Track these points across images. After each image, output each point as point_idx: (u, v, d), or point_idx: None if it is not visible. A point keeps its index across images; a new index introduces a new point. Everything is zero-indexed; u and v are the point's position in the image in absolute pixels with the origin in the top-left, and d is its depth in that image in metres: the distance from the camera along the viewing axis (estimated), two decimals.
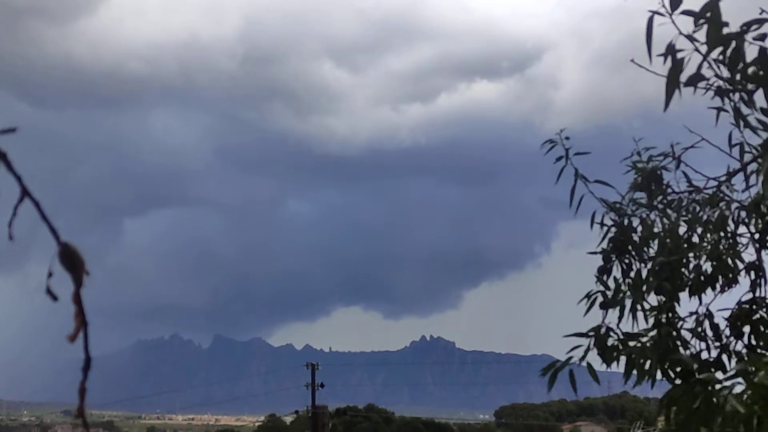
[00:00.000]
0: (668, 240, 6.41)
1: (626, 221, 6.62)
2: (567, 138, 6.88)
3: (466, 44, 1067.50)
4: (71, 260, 1.82)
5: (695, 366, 5.91)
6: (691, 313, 6.45)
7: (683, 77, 4.80)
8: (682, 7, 4.60)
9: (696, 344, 6.34)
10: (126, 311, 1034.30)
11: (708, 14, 4.40)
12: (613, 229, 6.62)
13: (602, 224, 6.67)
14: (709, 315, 6.45)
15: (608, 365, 6.22)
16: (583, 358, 6.11)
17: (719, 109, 5.75)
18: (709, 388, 5.42)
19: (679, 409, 5.49)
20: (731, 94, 5.17)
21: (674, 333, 6.18)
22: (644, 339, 6.14)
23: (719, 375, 5.71)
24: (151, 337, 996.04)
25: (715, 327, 6.41)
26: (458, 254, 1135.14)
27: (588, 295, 6.44)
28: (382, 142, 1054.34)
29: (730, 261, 6.53)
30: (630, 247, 6.53)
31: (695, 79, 4.82)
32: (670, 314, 6.30)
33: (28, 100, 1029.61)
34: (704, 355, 6.31)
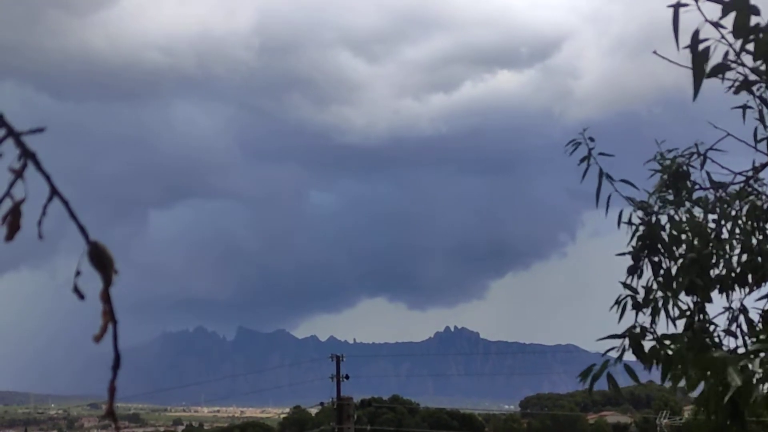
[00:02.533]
0: (697, 237, 6.33)
1: (654, 219, 6.55)
2: (591, 139, 6.81)
3: (485, 34, 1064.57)
4: (100, 259, 1.83)
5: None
6: (725, 309, 6.36)
7: (708, 66, 4.70)
8: None
9: (729, 342, 6.26)
10: (151, 304, 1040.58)
11: (736, 5, 4.30)
12: (642, 228, 6.55)
13: (630, 223, 6.61)
14: (744, 310, 6.35)
15: (648, 367, 6.18)
16: (619, 358, 6.07)
17: (745, 107, 5.67)
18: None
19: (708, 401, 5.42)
20: (757, 86, 5.07)
21: (706, 334, 6.11)
22: (678, 342, 6.09)
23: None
24: (175, 330, 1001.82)
25: (749, 322, 6.31)
26: (483, 244, 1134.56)
27: (618, 302, 6.39)
28: (403, 132, 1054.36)
29: (759, 258, 6.43)
30: (659, 246, 6.46)
31: (720, 69, 4.72)
32: (701, 315, 6.24)
33: (49, 91, 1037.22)
34: (740, 352, 6.22)
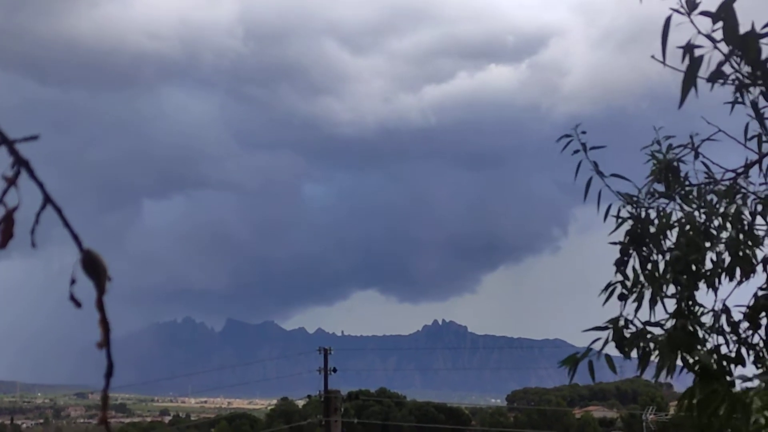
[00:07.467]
0: (687, 228, 6.39)
1: (643, 213, 6.59)
2: (583, 132, 6.86)
3: (475, 28, 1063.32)
4: (94, 267, 1.82)
5: (713, 362, 5.94)
6: (706, 311, 6.42)
7: (704, 73, 4.78)
8: (701, 8, 4.60)
9: (714, 339, 6.34)
10: (140, 293, 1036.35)
11: (723, 15, 4.39)
12: (629, 222, 6.59)
13: (618, 217, 6.65)
14: (726, 310, 6.43)
15: (626, 357, 6.27)
16: (601, 349, 6.16)
17: (734, 103, 5.73)
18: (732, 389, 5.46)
19: (703, 411, 5.51)
20: (751, 88, 5.15)
21: (691, 327, 6.18)
22: (662, 330, 6.17)
23: (746, 378, 5.69)
24: (164, 320, 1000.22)
25: (732, 323, 6.39)
26: (476, 237, 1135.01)
27: (608, 287, 6.47)
28: (394, 124, 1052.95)
29: (748, 252, 6.50)
30: (647, 239, 6.52)
31: (716, 77, 4.81)
32: (689, 302, 6.30)
33: (37, 77, 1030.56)
34: (723, 350, 6.31)
